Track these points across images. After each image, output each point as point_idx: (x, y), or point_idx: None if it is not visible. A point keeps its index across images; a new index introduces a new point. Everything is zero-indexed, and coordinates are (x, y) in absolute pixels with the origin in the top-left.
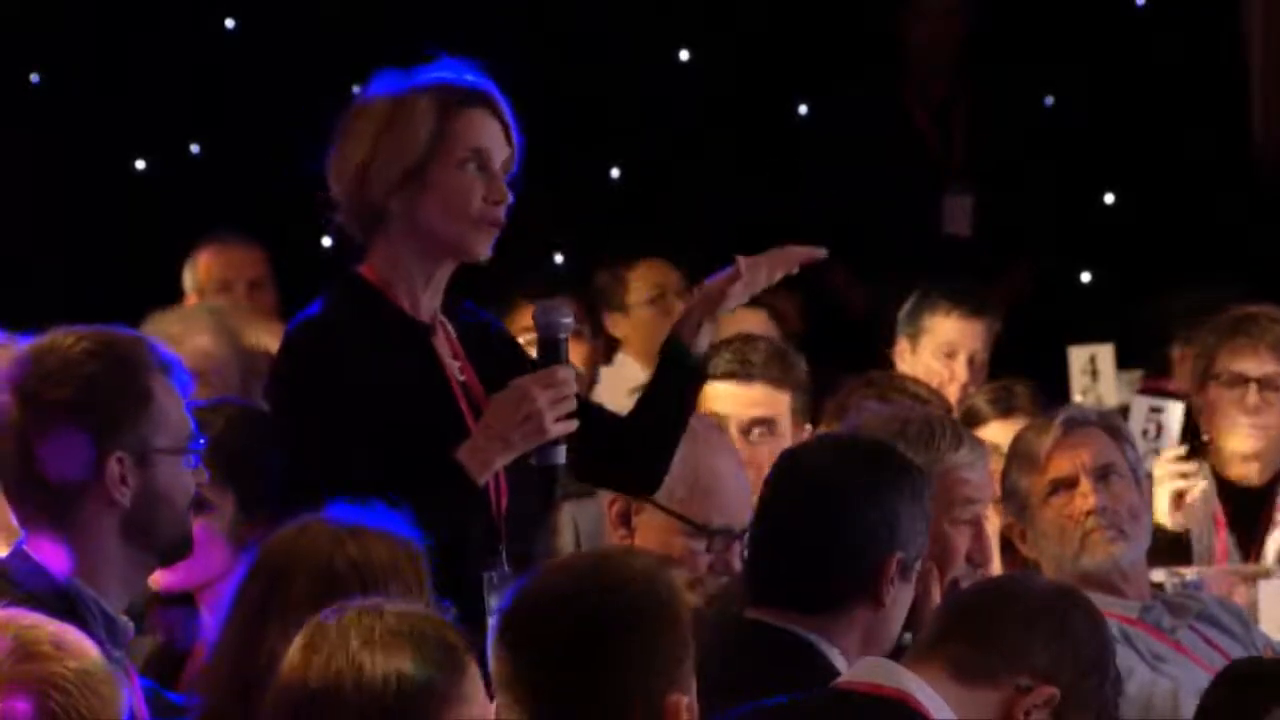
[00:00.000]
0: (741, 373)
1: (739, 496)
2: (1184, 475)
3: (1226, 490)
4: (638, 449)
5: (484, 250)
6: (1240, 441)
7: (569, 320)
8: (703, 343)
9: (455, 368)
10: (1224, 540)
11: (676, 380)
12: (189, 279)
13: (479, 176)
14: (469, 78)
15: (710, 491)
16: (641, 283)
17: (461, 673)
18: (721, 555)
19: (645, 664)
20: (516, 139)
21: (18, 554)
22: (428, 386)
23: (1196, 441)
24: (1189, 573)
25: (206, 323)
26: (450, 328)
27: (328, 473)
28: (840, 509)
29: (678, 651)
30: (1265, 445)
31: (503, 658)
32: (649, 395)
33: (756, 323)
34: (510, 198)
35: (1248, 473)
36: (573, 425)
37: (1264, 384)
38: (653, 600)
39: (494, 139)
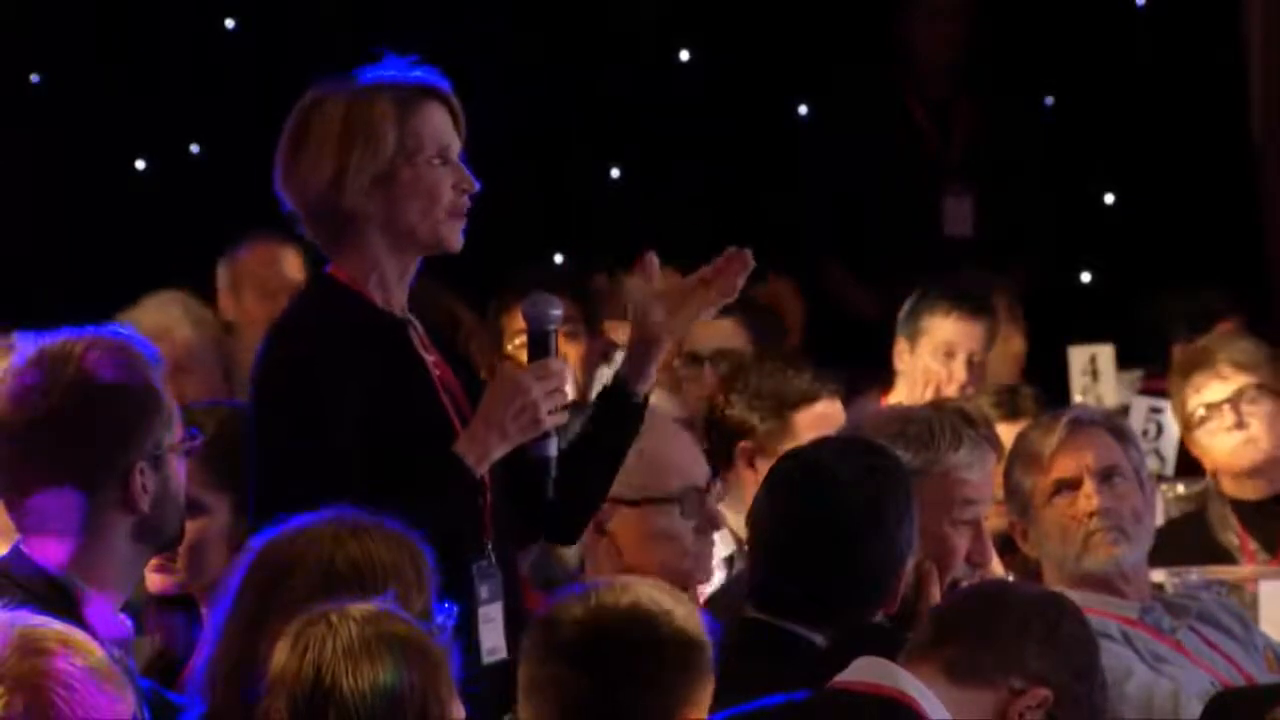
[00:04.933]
0: None
1: (686, 453)
2: None
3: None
4: (564, 498)
5: (457, 241)
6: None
7: (558, 313)
8: (647, 385)
9: (430, 361)
10: (1251, 556)
11: (618, 423)
12: (224, 276)
13: (446, 169)
14: (416, 74)
15: (658, 461)
16: None
17: (437, 675)
18: (701, 512)
19: (672, 692)
20: (463, 125)
21: (15, 554)
22: (410, 381)
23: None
24: (1192, 573)
25: (184, 315)
26: (417, 323)
27: (320, 472)
28: (870, 535)
29: (703, 679)
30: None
31: (534, 668)
32: (587, 439)
33: (727, 332)
34: (477, 184)
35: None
36: (565, 417)
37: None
38: (687, 635)
39: (450, 132)
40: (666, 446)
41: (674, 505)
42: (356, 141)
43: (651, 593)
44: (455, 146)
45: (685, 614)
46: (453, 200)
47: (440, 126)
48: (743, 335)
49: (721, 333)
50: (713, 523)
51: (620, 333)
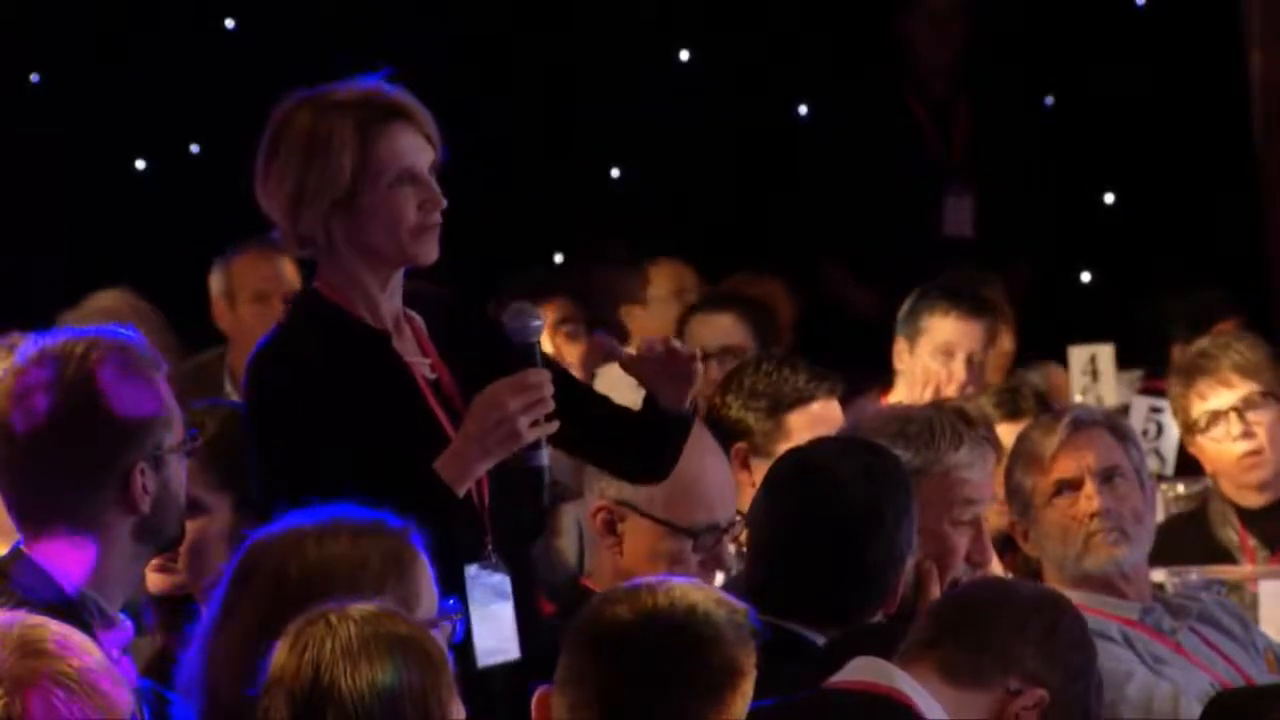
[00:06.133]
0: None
1: (719, 489)
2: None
3: (1239, 512)
4: (646, 441)
5: (430, 255)
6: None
7: (539, 323)
8: (685, 405)
9: (425, 365)
10: (1251, 553)
11: (670, 431)
12: (218, 283)
13: (410, 189)
14: (382, 93)
15: (689, 491)
16: (663, 279)
17: (437, 675)
18: (711, 551)
19: (712, 695)
20: (438, 137)
21: (24, 562)
22: (393, 394)
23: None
24: (1192, 573)
25: (128, 311)
26: (419, 322)
27: (306, 490)
28: (870, 535)
29: (745, 684)
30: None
31: (576, 659)
32: (649, 422)
33: (728, 328)
34: (444, 201)
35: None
36: (552, 428)
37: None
38: (734, 642)
39: (417, 151)
40: (702, 474)
41: (690, 539)
42: (314, 167)
43: (705, 599)
44: (423, 164)
45: (735, 626)
46: (419, 219)
47: (404, 147)
48: (744, 331)
49: (723, 329)
50: (720, 563)
51: (638, 320)
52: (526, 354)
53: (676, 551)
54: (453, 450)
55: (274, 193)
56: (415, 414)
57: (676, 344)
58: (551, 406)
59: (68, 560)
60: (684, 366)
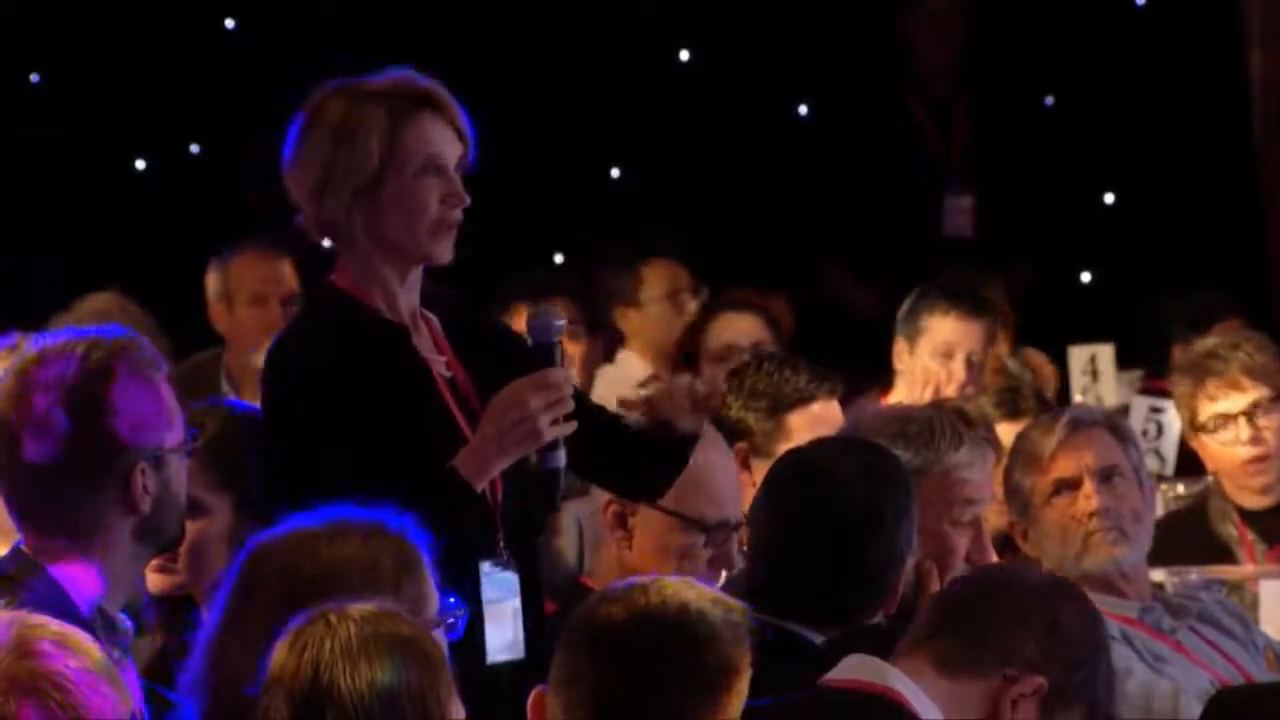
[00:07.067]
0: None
1: (731, 487)
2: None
3: (1241, 513)
4: (647, 459)
5: (445, 255)
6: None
7: (561, 324)
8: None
9: (441, 364)
10: (1249, 547)
11: (670, 452)
12: (215, 284)
13: (435, 180)
14: (415, 83)
15: (702, 486)
16: (657, 279)
17: (436, 675)
18: (721, 548)
19: (707, 696)
20: (470, 134)
21: (35, 571)
22: (411, 390)
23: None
24: (1191, 573)
25: (120, 314)
26: (434, 321)
27: (319, 485)
28: (870, 535)
29: (740, 684)
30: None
31: (571, 659)
32: (656, 435)
33: (752, 327)
34: (467, 199)
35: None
36: (570, 428)
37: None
38: (729, 642)
39: (445, 142)
40: (716, 471)
41: (702, 534)
42: (342, 152)
43: (699, 598)
44: (449, 157)
45: (731, 625)
46: (440, 213)
47: (432, 137)
48: (768, 330)
49: (748, 329)
50: (727, 562)
51: (632, 321)
52: (547, 354)
53: (687, 546)
54: (470, 449)
55: (301, 178)
56: (433, 411)
57: (702, 387)
58: (571, 406)
59: (78, 573)
60: (708, 402)
